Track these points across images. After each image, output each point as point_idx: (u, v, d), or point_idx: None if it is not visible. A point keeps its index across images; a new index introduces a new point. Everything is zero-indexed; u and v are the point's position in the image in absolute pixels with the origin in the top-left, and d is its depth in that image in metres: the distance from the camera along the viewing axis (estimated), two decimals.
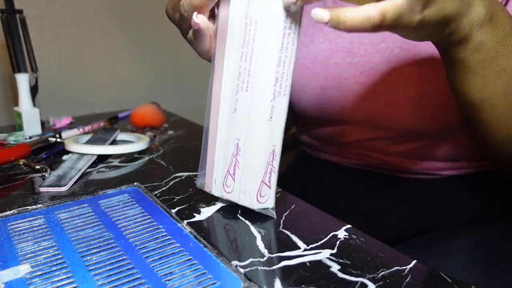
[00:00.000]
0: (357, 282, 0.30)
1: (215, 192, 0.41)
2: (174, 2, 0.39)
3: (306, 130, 0.67)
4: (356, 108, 0.56)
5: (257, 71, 0.37)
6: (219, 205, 0.43)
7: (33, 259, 0.33)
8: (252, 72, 0.37)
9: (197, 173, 0.52)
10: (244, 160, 0.39)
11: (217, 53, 0.39)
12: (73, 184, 0.48)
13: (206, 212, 0.42)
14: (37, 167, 0.54)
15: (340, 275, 0.31)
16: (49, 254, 0.34)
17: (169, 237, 0.36)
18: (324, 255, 0.34)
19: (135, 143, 0.61)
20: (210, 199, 0.44)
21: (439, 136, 0.55)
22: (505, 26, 0.37)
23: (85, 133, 0.72)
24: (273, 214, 0.40)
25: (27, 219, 0.39)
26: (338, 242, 0.36)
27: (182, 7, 0.36)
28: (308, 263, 0.33)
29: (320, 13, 0.30)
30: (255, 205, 0.40)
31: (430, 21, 0.32)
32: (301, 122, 0.68)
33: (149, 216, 0.40)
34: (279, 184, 0.49)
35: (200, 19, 0.35)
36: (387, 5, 0.30)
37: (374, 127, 0.56)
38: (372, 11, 0.30)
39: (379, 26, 0.30)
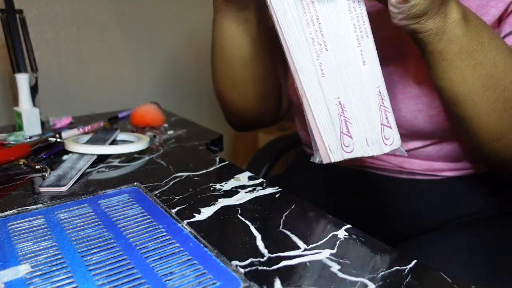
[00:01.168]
0: (357, 282, 0.30)
1: (335, 158, 0.40)
2: None
3: (306, 126, 0.67)
4: None
5: (330, 28, 0.37)
6: (219, 205, 0.43)
7: (33, 259, 0.33)
8: (325, 32, 0.37)
9: (197, 173, 0.53)
10: (353, 114, 0.39)
11: (282, 43, 0.39)
12: (73, 184, 0.48)
13: (206, 212, 0.42)
14: (37, 167, 0.54)
15: (340, 275, 0.31)
16: (49, 254, 0.34)
17: (169, 237, 0.36)
18: (324, 255, 0.34)
19: (135, 143, 0.61)
20: (210, 199, 0.44)
21: (440, 136, 0.55)
22: (476, 25, 0.40)
23: (85, 133, 0.72)
24: (404, 152, 0.40)
25: (27, 219, 0.39)
26: (338, 242, 0.36)
27: None
28: (308, 263, 0.33)
29: None
30: (385, 149, 0.40)
31: None
32: (302, 118, 0.68)
33: (149, 216, 0.40)
34: (279, 184, 0.49)
35: None
36: None
37: None
38: None
39: None
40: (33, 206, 0.42)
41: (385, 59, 0.52)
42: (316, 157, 0.42)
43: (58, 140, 0.63)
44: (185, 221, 0.39)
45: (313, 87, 0.39)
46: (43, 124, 0.75)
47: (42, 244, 0.35)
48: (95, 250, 0.34)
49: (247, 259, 0.33)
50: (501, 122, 0.43)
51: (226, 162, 0.56)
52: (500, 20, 0.48)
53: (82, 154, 0.57)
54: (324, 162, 0.41)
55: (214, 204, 0.43)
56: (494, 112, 0.43)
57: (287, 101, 0.68)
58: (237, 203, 0.44)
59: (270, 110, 0.66)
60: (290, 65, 0.39)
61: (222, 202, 0.44)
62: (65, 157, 0.59)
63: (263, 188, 0.47)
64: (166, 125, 0.77)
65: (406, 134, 0.55)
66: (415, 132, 0.54)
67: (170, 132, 0.73)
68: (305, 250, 0.35)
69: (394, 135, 0.40)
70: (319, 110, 0.39)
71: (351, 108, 0.39)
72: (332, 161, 0.40)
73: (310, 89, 0.39)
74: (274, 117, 0.69)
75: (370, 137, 0.39)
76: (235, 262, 0.33)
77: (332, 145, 0.40)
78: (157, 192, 0.47)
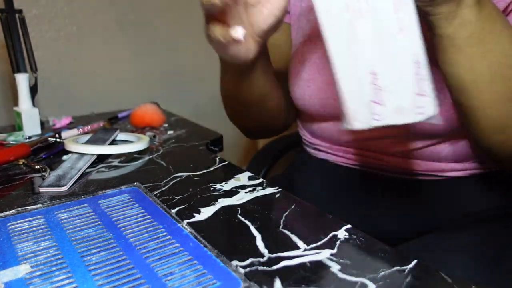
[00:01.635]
0: (357, 282, 0.30)
1: (359, 125, 0.39)
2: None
3: (308, 126, 0.67)
4: None
5: None
6: (219, 205, 0.43)
7: (33, 259, 0.33)
8: None
9: (197, 173, 0.53)
10: (385, 82, 0.38)
11: (314, 8, 0.38)
12: (73, 184, 0.48)
13: (206, 212, 0.42)
14: (36, 167, 0.54)
15: (340, 275, 0.31)
16: (49, 254, 0.33)
17: (169, 237, 0.36)
18: (324, 255, 0.34)
19: (135, 143, 0.61)
20: (210, 199, 0.44)
21: (442, 136, 0.55)
22: (491, 11, 0.39)
23: (85, 133, 0.72)
24: (440, 120, 0.39)
25: (27, 219, 0.39)
26: (338, 242, 0.36)
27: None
28: (308, 263, 0.33)
29: None
30: (417, 118, 0.38)
31: None
32: (303, 118, 0.68)
33: (149, 216, 0.40)
34: (279, 184, 0.49)
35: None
36: None
37: None
38: None
39: None
40: (33, 206, 0.42)
41: None
42: (343, 123, 0.41)
43: (58, 140, 0.63)
44: (185, 221, 0.39)
45: (343, 53, 0.38)
46: (43, 124, 0.75)
47: (42, 244, 0.35)
48: (95, 250, 0.34)
49: (247, 259, 0.33)
50: (506, 113, 0.42)
51: (226, 162, 0.56)
52: None
53: (82, 154, 0.57)
54: (349, 128, 0.40)
55: (214, 204, 0.43)
56: (501, 103, 0.42)
57: (294, 109, 0.68)
58: (237, 203, 0.44)
59: (277, 123, 0.67)
60: (321, 31, 0.38)
61: (222, 202, 0.44)
62: (64, 157, 0.59)
63: (263, 188, 0.47)
64: (166, 125, 0.78)
65: (407, 135, 0.55)
66: (416, 133, 0.54)
67: (170, 132, 0.73)
68: (305, 250, 0.35)
69: (428, 103, 0.38)
70: (348, 78, 0.38)
71: (383, 77, 0.38)
72: (358, 128, 0.39)
73: (340, 56, 0.38)
74: (282, 127, 0.70)
75: (402, 105, 0.38)
76: (235, 262, 0.33)
77: (359, 113, 0.39)
78: (157, 192, 0.47)
